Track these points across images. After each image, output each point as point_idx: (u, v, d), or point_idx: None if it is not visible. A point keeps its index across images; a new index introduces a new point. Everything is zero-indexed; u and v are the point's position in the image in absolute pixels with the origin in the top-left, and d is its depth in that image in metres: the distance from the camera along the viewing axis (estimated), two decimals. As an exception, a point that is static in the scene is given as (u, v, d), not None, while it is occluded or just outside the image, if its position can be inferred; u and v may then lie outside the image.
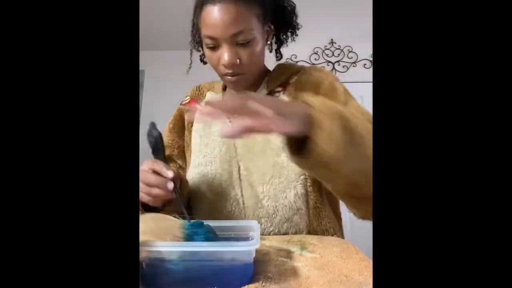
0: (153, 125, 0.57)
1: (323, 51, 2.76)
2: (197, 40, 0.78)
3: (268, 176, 0.67)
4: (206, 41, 0.66)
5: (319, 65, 2.71)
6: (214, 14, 0.61)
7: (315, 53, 2.74)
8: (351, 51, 2.75)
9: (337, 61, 2.74)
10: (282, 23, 0.77)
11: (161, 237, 0.42)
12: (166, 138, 0.82)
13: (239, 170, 0.70)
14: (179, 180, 0.60)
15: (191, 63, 0.82)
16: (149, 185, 0.56)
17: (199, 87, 0.86)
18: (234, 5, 0.61)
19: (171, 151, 0.82)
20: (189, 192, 0.73)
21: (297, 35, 0.80)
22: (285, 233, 0.67)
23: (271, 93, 0.75)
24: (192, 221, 0.50)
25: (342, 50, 2.76)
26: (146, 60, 3.18)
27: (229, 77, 0.68)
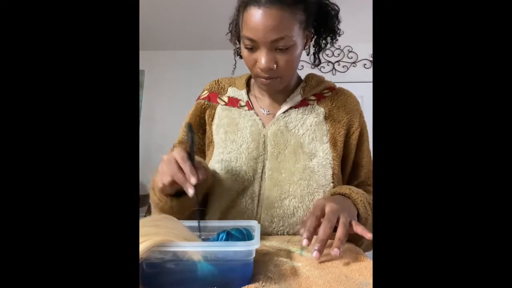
0: (189, 127, 0.59)
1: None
2: (235, 35, 0.76)
3: (297, 177, 0.68)
4: (245, 41, 0.65)
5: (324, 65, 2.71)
6: (257, 17, 0.61)
7: (315, 53, 2.73)
8: (351, 51, 2.74)
9: (337, 61, 2.74)
10: (323, 28, 0.76)
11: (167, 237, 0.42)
12: (181, 134, 0.82)
13: (263, 168, 0.70)
14: (204, 182, 0.58)
15: (235, 63, 0.81)
16: (170, 175, 0.55)
17: (218, 81, 0.85)
18: (278, 11, 0.60)
19: (186, 146, 0.80)
20: (208, 187, 0.72)
21: (337, 40, 0.78)
22: (293, 235, 0.67)
23: (305, 99, 0.77)
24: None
25: (342, 50, 2.75)
26: (146, 60, 3.19)
27: (263, 80, 0.68)
